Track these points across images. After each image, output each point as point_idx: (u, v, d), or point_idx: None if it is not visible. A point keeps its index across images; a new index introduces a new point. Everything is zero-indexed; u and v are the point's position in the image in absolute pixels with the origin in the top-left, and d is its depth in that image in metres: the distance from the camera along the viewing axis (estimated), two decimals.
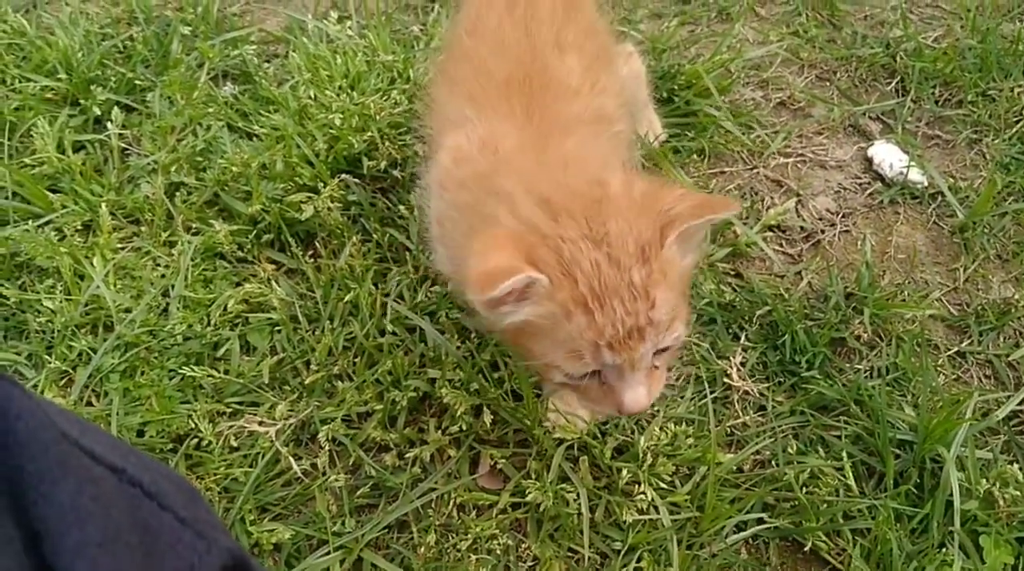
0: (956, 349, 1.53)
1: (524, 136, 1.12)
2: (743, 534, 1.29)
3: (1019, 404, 1.44)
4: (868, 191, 1.77)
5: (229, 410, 1.43)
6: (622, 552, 1.27)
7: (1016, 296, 1.57)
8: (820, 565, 1.28)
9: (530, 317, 0.95)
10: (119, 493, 0.56)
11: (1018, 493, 1.28)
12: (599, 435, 1.39)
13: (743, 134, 1.84)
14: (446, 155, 1.18)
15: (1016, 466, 1.33)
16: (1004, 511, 1.28)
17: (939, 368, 1.50)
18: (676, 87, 1.86)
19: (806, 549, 1.28)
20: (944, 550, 1.25)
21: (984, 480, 1.31)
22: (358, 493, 1.35)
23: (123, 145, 1.81)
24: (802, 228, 1.71)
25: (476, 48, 1.26)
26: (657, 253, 0.96)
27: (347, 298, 1.51)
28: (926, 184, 1.76)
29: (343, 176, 1.68)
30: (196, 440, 1.39)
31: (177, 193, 1.70)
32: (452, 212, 1.15)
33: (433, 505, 1.34)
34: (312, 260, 1.60)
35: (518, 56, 1.21)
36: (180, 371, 1.46)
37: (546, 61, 1.21)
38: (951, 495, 1.28)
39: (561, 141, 1.12)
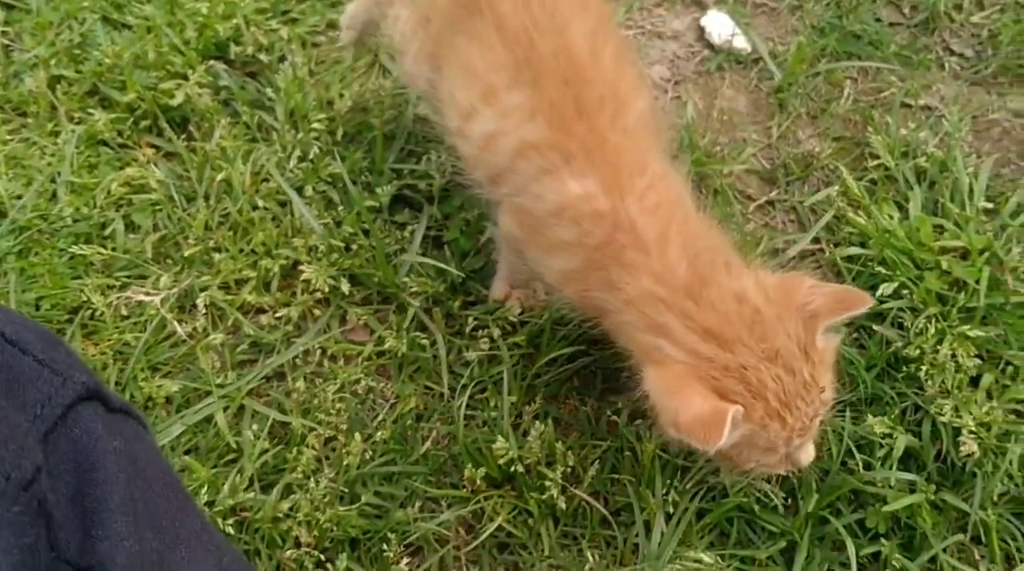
0: (766, 198, 1.68)
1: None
2: (574, 364, 1.44)
3: (813, 244, 1.60)
4: (698, 59, 1.88)
5: (118, 283, 1.52)
6: (469, 386, 1.42)
7: (818, 149, 1.71)
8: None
9: (734, 440, 1.03)
10: None
11: None
12: (453, 291, 1.52)
13: None
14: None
15: None
16: None
17: (750, 215, 1.65)
18: None
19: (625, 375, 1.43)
20: None
21: None
22: (238, 350, 1.46)
23: (6, 42, 1.83)
24: None
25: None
26: (813, 347, 1.06)
27: (220, 177, 1.59)
28: (750, 50, 1.87)
29: (211, 63, 1.74)
30: (90, 311, 1.49)
31: (59, 85, 1.74)
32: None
33: (306, 357, 1.47)
34: (187, 143, 1.67)
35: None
36: (71, 250, 1.53)
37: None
38: None
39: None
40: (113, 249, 1.55)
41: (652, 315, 1.09)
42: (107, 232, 1.58)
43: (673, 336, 1.07)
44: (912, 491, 1.31)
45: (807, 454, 1.12)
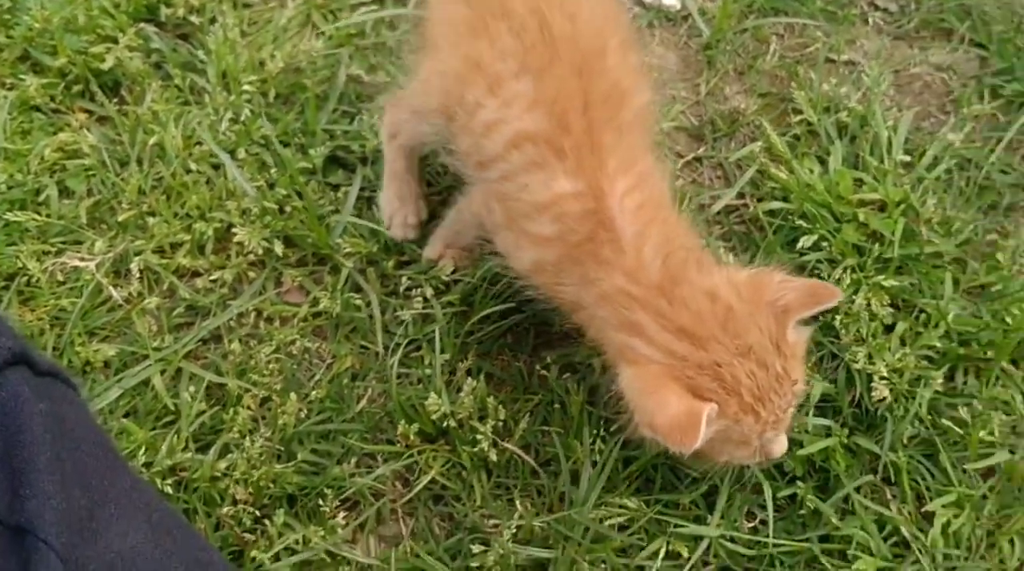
0: (693, 155, 1.71)
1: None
2: (507, 321, 1.47)
3: (738, 199, 1.64)
4: (630, 16, 1.90)
5: (54, 249, 1.53)
6: (402, 345, 1.45)
7: (744, 105, 1.75)
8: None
9: (708, 435, 1.03)
10: None
11: None
12: (387, 251, 1.54)
13: None
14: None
15: (731, 255, 1.53)
16: None
17: (678, 171, 1.68)
18: None
19: (554, 330, 1.47)
20: None
21: None
22: (174, 313, 1.48)
23: None
24: None
25: None
26: (785, 341, 1.07)
27: (152, 141, 1.59)
28: (679, 7, 1.89)
29: (141, 25, 1.72)
30: (25, 278, 1.49)
31: None
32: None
33: (242, 319, 1.49)
34: (119, 107, 1.66)
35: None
36: (5, 217, 1.53)
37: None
38: None
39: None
40: (48, 215, 1.55)
41: (626, 313, 1.11)
42: (41, 198, 1.57)
43: (647, 335, 1.09)
44: (828, 435, 1.37)
45: (780, 445, 1.14)
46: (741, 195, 1.64)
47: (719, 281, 1.11)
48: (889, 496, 1.36)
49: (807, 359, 1.15)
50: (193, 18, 1.76)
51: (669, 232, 1.15)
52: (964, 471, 1.37)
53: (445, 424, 1.34)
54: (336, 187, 1.61)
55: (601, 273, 1.13)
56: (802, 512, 1.33)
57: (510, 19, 1.18)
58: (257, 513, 1.29)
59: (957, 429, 1.36)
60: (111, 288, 1.48)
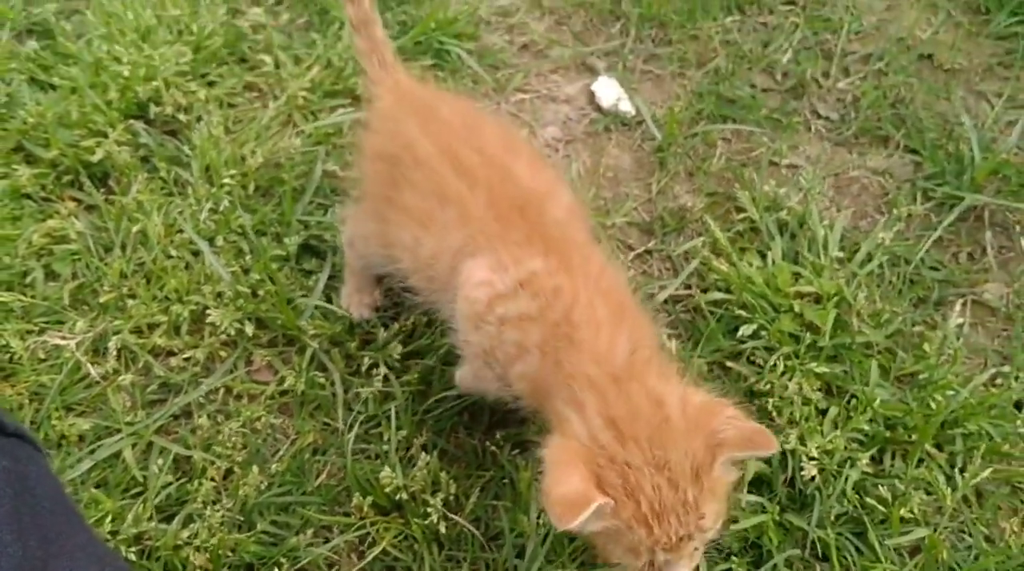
0: (644, 248, 1.81)
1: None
2: (463, 400, 1.55)
3: (685, 289, 1.74)
4: (588, 120, 2.03)
5: (37, 328, 1.61)
6: (362, 421, 1.52)
7: (691, 203, 1.86)
8: None
9: (596, 528, 1.06)
10: None
11: None
12: (351, 332, 1.63)
13: (488, 74, 2.07)
14: (477, 292, 1.24)
15: (675, 341, 1.63)
16: None
17: (629, 263, 1.78)
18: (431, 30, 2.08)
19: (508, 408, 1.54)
20: None
21: None
22: (148, 390, 1.56)
23: None
24: None
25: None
26: (708, 473, 1.06)
27: (136, 228, 1.69)
28: (634, 113, 2.03)
29: (131, 121, 1.84)
30: (8, 355, 1.57)
31: None
32: (498, 343, 1.24)
33: (212, 396, 1.56)
34: (106, 197, 1.77)
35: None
36: None
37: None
38: None
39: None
40: (33, 296, 1.64)
41: (577, 390, 1.14)
42: (28, 280, 1.66)
43: (585, 414, 1.11)
44: (763, 511, 1.44)
45: None
46: (687, 286, 1.74)
47: (670, 392, 1.12)
48: None
49: (727, 506, 1.13)
50: (181, 116, 1.88)
51: (639, 324, 1.21)
52: (893, 549, 1.44)
53: (398, 497, 1.40)
54: (309, 273, 1.70)
55: (573, 355, 1.16)
56: None
57: (424, 166, 1.30)
58: None
59: (881, 508, 1.43)
60: (89, 365, 1.56)
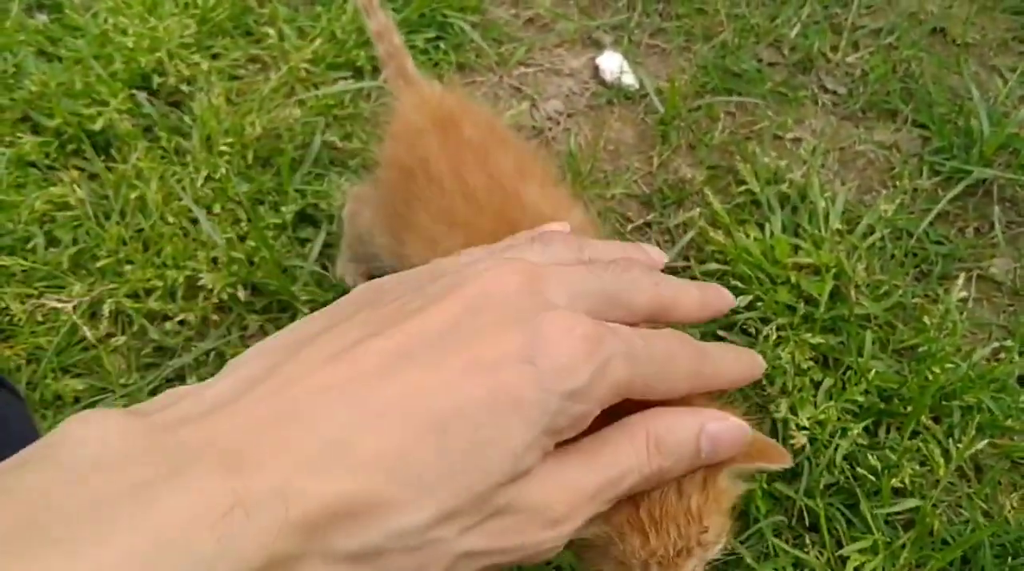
0: (643, 220, 1.79)
1: None
2: None
3: (683, 261, 1.71)
4: (591, 93, 2.01)
5: (36, 292, 1.62)
6: None
7: (691, 176, 1.84)
8: None
9: (583, 535, 0.85)
10: None
11: None
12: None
13: (491, 48, 2.05)
14: None
15: None
16: None
17: (628, 235, 1.76)
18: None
19: None
20: None
21: None
22: (143, 353, 1.56)
23: None
24: (533, 127, 1.94)
25: None
26: (714, 482, 0.90)
27: (135, 195, 1.70)
28: (638, 86, 2.00)
29: (134, 92, 1.85)
30: (8, 317, 1.58)
31: None
32: None
33: (204, 360, 1.57)
34: (106, 165, 1.78)
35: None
36: None
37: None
38: None
39: None
40: (34, 261, 1.65)
41: None
42: (29, 245, 1.67)
43: None
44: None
45: None
46: (685, 257, 1.71)
47: None
48: (808, 542, 1.40)
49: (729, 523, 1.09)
50: (184, 87, 1.89)
51: None
52: (886, 522, 1.41)
53: None
54: (304, 242, 1.70)
55: None
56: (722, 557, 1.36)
57: (436, 184, 1.24)
58: None
59: (872, 478, 1.40)
60: (85, 329, 1.57)
